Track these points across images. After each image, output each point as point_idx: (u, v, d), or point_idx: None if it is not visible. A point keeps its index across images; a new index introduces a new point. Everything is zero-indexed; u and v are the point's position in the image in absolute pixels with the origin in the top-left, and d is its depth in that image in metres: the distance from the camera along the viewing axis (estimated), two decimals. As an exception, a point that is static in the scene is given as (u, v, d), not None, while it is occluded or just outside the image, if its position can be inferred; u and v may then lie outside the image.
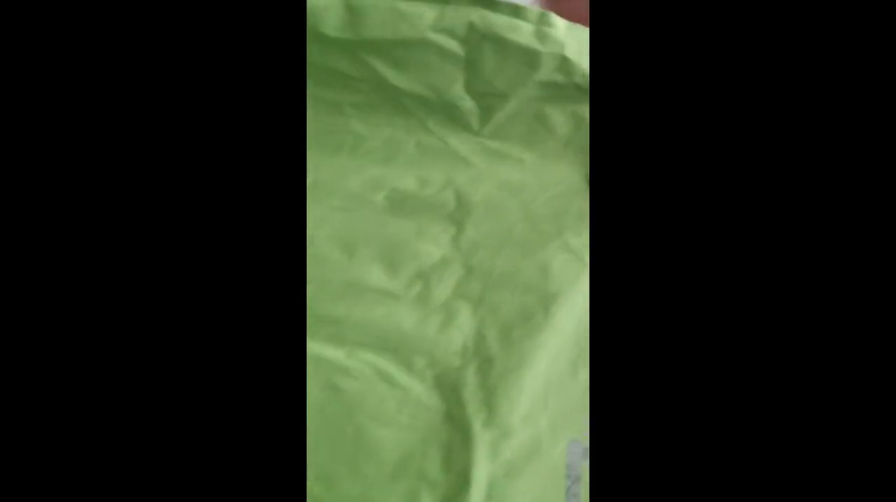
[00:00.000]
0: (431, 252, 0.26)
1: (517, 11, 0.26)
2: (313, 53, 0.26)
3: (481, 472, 0.24)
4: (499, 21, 0.25)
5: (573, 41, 0.26)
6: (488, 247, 0.26)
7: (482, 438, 0.25)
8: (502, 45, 0.25)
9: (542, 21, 0.26)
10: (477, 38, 0.25)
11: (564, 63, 0.26)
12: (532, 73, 0.26)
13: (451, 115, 0.27)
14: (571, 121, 0.27)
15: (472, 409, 0.25)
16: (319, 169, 0.27)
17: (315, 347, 0.25)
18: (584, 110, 0.26)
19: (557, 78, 0.26)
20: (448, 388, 0.26)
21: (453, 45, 0.26)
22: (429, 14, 0.26)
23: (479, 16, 0.25)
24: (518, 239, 0.26)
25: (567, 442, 0.26)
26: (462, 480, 0.24)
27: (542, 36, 0.25)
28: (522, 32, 0.25)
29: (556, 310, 0.26)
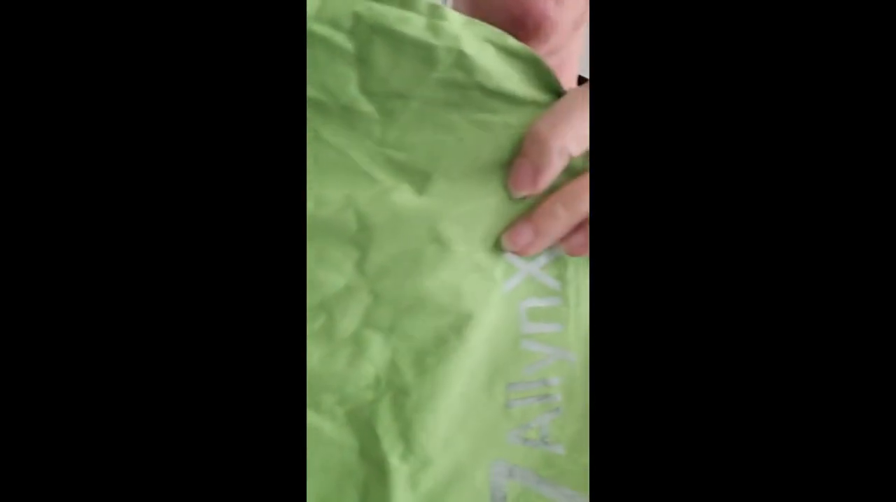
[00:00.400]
0: (334, 280, 0.24)
1: (405, 1, 0.23)
2: None
3: None
4: (387, 12, 0.22)
5: (471, 36, 0.23)
6: (396, 271, 0.24)
7: (400, 472, 0.24)
8: (394, 38, 0.23)
9: (433, 13, 0.23)
10: (365, 31, 0.22)
11: (462, 59, 0.23)
12: (429, 71, 0.23)
13: (348, 121, 0.23)
14: (479, 130, 0.24)
15: (388, 444, 0.24)
16: None
17: None
18: (492, 118, 0.24)
19: (458, 76, 0.23)
20: (361, 424, 0.24)
21: (340, 39, 0.23)
22: (309, 3, 0.23)
23: (364, 6, 0.22)
24: (427, 261, 0.24)
25: (490, 463, 0.25)
26: None
27: (435, 29, 0.23)
28: (414, 25, 0.23)
29: (468, 332, 0.25)
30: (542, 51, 0.38)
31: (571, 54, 0.42)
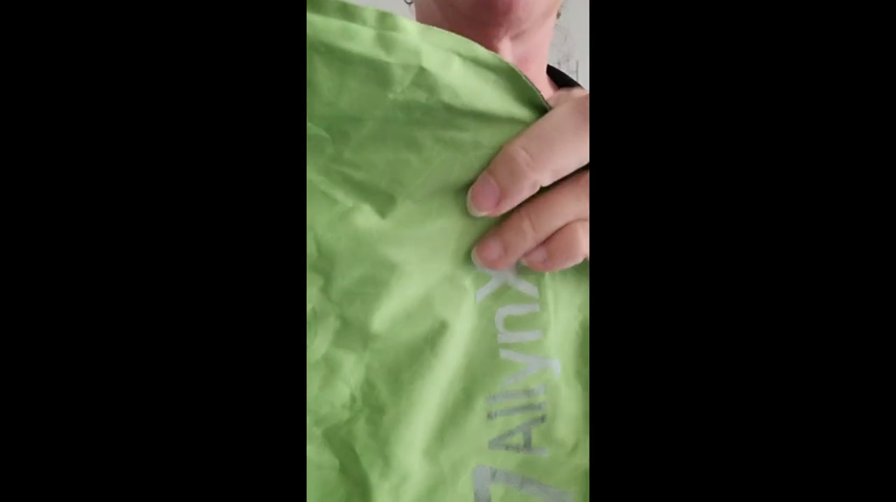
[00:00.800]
0: None
1: (348, 11, 0.19)
2: None
3: None
4: (327, 25, 0.19)
5: (432, 48, 0.20)
6: (363, 295, 0.23)
7: (381, 489, 0.24)
8: (337, 56, 0.19)
9: (384, 24, 0.19)
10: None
11: (423, 76, 0.20)
12: (384, 91, 0.20)
13: None
14: (447, 149, 0.22)
15: (367, 462, 0.24)
16: None
17: None
18: (461, 136, 0.21)
19: (418, 96, 0.20)
20: (339, 443, 0.24)
21: None
22: None
23: None
24: (394, 283, 0.23)
25: (471, 469, 0.25)
26: None
27: (387, 43, 0.20)
28: (360, 39, 0.19)
29: (443, 343, 0.24)
30: (510, 36, 0.36)
31: (539, 45, 0.40)
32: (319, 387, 0.24)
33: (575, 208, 0.22)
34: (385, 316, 0.23)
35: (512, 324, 0.25)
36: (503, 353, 0.25)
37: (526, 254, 0.23)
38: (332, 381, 0.24)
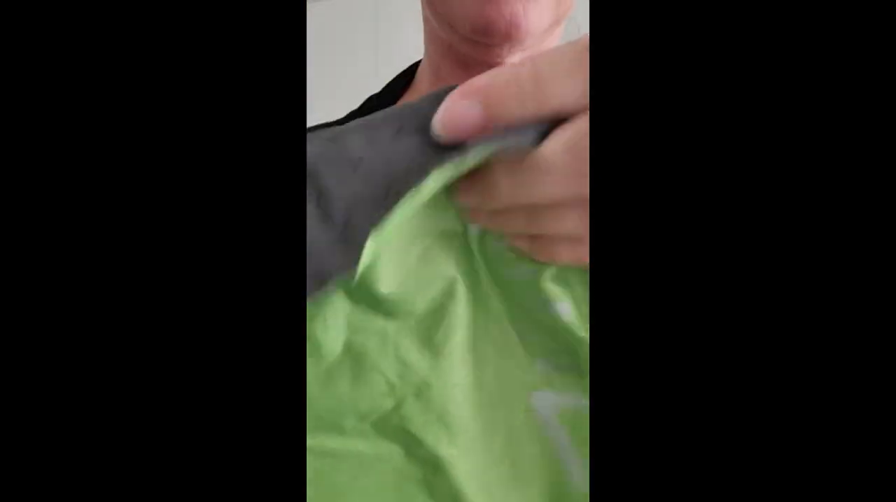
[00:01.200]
0: None
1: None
2: None
3: (470, 486, 0.23)
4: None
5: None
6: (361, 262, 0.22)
7: (455, 455, 0.23)
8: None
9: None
10: None
11: None
12: None
13: None
14: None
15: (431, 438, 0.23)
16: None
17: None
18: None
19: None
20: (394, 430, 0.23)
21: None
22: None
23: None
24: (393, 248, 0.22)
25: (526, 396, 0.23)
26: None
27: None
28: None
29: (461, 292, 0.23)
30: (514, 51, 0.36)
31: (549, 47, 0.41)
32: (351, 386, 0.22)
33: (572, 225, 0.20)
34: (391, 279, 0.22)
35: (507, 260, 0.23)
36: (512, 288, 0.24)
37: (519, 239, 0.22)
38: (361, 375, 0.22)
